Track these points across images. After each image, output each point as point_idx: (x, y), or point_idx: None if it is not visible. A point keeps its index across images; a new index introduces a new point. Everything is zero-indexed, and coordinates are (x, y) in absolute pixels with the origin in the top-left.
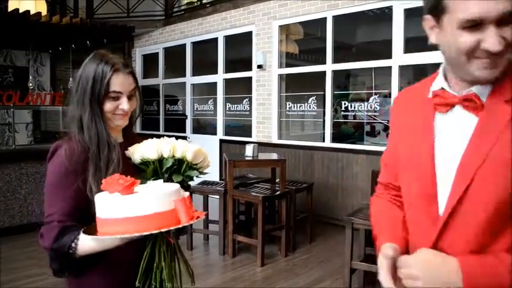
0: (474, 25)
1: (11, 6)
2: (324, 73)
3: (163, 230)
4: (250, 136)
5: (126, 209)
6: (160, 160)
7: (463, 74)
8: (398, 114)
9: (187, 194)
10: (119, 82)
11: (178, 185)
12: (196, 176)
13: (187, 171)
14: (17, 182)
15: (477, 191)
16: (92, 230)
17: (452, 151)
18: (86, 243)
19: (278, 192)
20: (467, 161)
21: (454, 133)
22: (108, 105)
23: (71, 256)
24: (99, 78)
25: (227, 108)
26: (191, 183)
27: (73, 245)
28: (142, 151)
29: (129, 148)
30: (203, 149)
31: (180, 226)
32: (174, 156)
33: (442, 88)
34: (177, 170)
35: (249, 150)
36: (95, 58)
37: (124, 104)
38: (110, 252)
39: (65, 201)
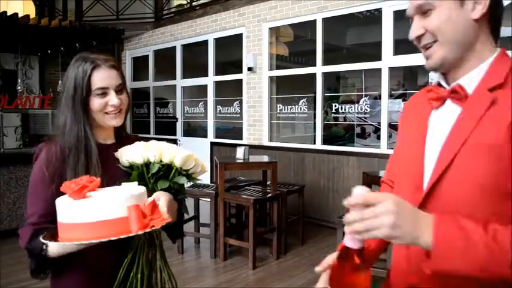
0: None
1: None
2: (314, 75)
3: (112, 238)
4: (241, 139)
5: (76, 215)
6: (147, 164)
7: None
8: (406, 115)
9: (150, 199)
10: (102, 77)
11: (142, 189)
12: (186, 183)
13: (176, 177)
14: (5, 187)
15: (455, 175)
16: (55, 233)
17: (439, 143)
18: (52, 247)
19: (269, 195)
20: (446, 147)
21: (442, 126)
22: (97, 103)
23: (45, 258)
24: (80, 79)
25: (218, 111)
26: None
27: (44, 247)
28: (129, 154)
29: (118, 150)
30: (195, 155)
31: (128, 236)
32: (161, 161)
33: (438, 83)
34: (164, 176)
35: (239, 153)
36: (77, 60)
37: (113, 99)
38: (90, 256)
39: (42, 203)
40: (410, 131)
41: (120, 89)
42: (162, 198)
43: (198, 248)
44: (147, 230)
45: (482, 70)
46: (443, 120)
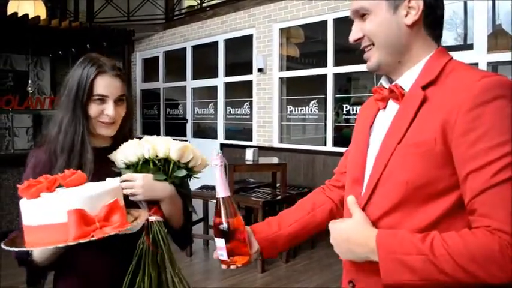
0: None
1: (9, 10)
2: (325, 76)
3: (50, 247)
4: (250, 140)
5: (26, 216)
6: (144, 162)
7: None
8: (359, 117)
9: (121, 202)
10: (104, 84)
11: (105, 188)
12: (188, 176)
13: (176, 171)
14: (15, 187)
15: (390, 173)
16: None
17: (379, 141)
18: (35, 252)
19: (279, 197)
20: (384, 146)
21: (385, 126)
22: (93, 109)
23: (34, 264)
24: (83, 81)
25: (228, 112)
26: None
27: (29, 251)
28: (122, 154)
29: (113, 153)
30: (191, 146)
31: (65, 245)
32: (157, 156)
33: (381, 84)
34: (163, 172)
35: (249, 155)
36: (83, 61)
37: (109, 109)
38: (82, 263)
39: None
40: (359, 132)
41: (119, 100)
42: (139, 177)
43: (207, 250)
44: (85, 239)
45: (418, 69)
46: (386, 119)
